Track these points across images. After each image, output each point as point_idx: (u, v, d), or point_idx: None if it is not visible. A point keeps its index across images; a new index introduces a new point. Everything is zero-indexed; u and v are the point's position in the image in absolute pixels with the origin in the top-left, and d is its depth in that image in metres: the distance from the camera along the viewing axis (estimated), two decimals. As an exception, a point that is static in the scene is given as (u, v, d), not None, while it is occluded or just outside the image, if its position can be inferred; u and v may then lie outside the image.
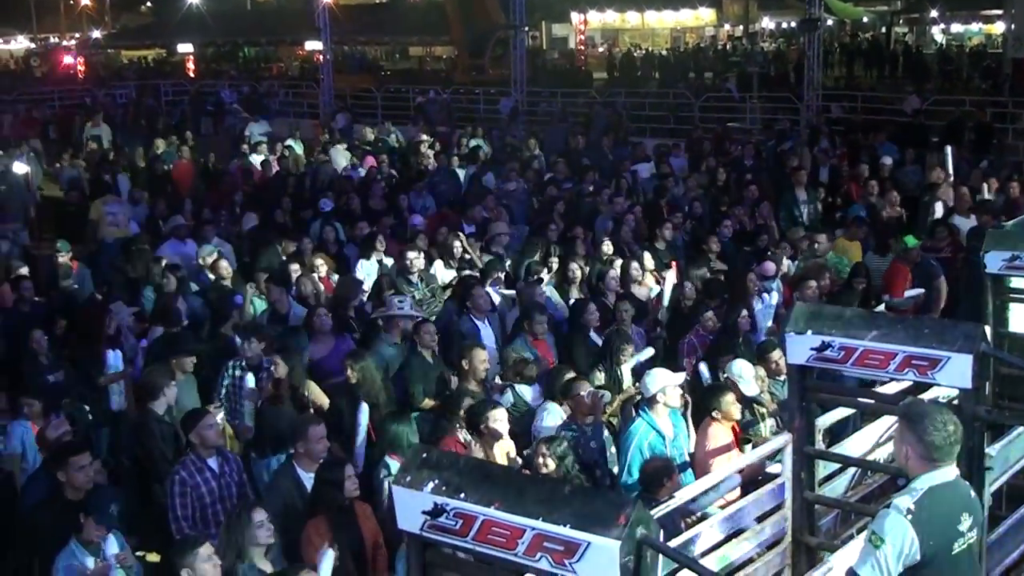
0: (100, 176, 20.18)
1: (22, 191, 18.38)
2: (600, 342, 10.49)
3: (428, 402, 9.60)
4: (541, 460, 7.53)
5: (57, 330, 10.87)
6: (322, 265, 13.02)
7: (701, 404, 8.73)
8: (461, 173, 19.93)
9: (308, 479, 7.60)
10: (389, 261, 13.51)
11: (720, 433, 8.35)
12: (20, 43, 61.86)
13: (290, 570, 6.19)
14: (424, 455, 4.28)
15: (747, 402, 8.75)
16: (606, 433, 8.75)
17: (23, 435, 8.68)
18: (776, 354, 9.17)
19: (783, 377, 8.72)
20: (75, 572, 6.50)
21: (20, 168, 18.21)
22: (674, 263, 12.71)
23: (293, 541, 7.14)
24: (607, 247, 13.32)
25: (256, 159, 21.58)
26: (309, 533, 7.08)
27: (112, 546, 6.60)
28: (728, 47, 51.69)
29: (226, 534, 6.58)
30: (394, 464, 7.88)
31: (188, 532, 7.45)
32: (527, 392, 9.49)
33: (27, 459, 8.63)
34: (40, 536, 7.15)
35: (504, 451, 8.11)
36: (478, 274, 12.36)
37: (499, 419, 8.10)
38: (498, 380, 9.81)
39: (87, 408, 9.34)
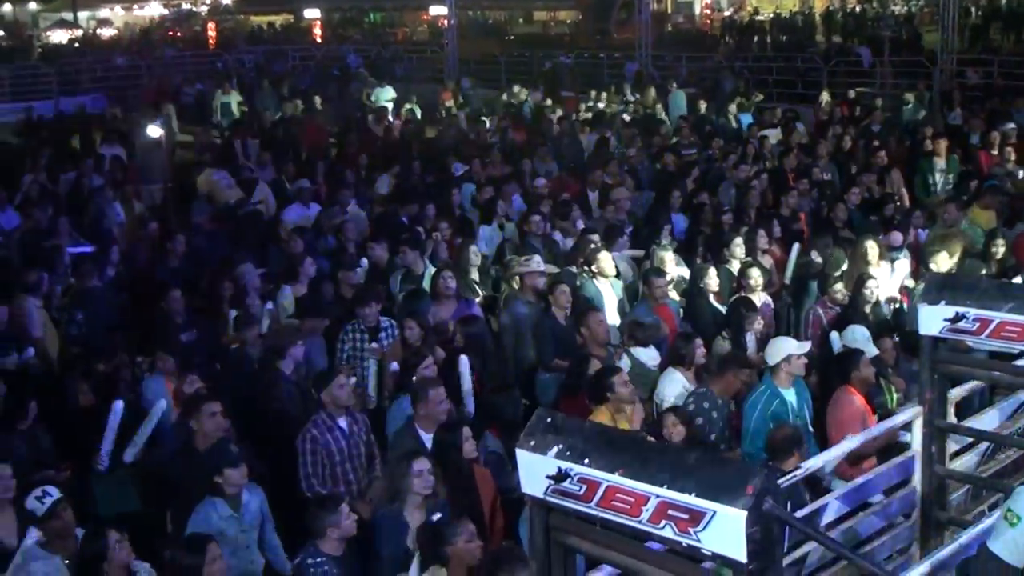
0: (230, 141, 20.61)
1: (159, 155, 18.83)
2: (724, 310, 10.39)
3: (559, 363, 9.61)
4: (669, 429, 7.50)
5: (191, 290, 11.12)
6: (447, 228, 13.10)
7: (833, 374, 8.59)
8: (584, 138, 19.85)
9: (428, 440, 7.69)
10: (511, 226, 13.55)
11: (854, 402, 8.20)
12: (154, 9, 63.29)
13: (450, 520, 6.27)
14: (548, 419, 4.27)
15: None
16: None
17: (157, 390, 8.90)
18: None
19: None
20: (212, 523, 6.65)
21: (155, 132, 18.65)
22: (800, 231, 12.51)
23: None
24: (730, 216, 13.16)
25: (380, 123, 21.79)
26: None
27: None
28: (858, 10, 50.44)
29: (385, 480, 6.64)
30: (493, 440, 7.95)
31: (318, 490, 7.62)
32: (645, 355, 9.42)
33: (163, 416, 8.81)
34: (175, 488, 7.36)
35: (628, 416, 8.09)
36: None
37: (623, 384, 8.08)
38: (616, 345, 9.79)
39: (217, 366, 9.57)
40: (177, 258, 12.26)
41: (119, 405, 8.26)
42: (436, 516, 6.51)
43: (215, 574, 5.97)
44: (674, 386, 8.66)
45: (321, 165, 17.32)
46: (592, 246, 11.52)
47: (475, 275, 11.54)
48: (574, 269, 11.40)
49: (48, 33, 55.17)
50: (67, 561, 6.28)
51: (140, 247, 13.38)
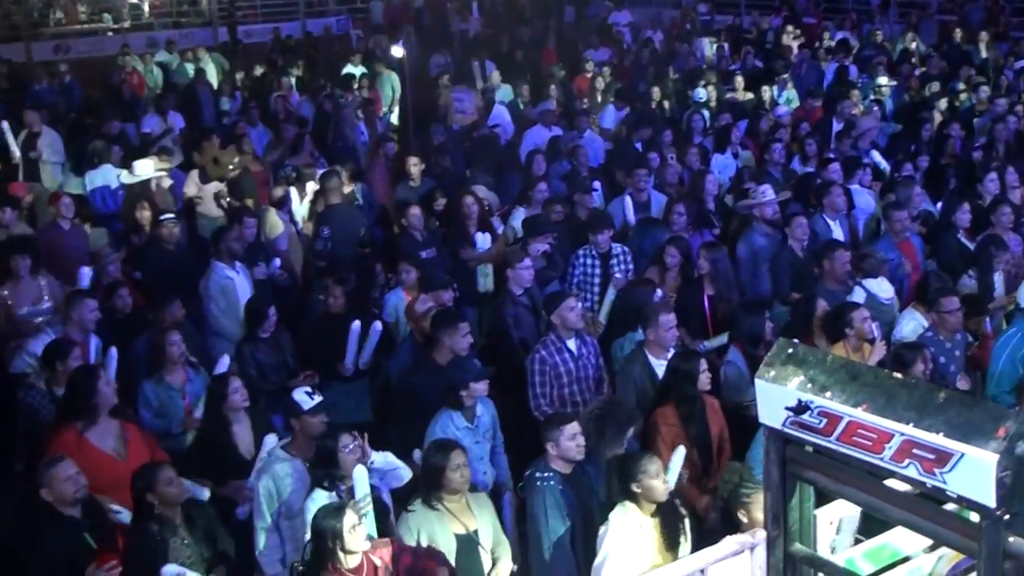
0: (467, 62, 20.85)
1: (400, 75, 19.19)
2: (972, 246, 9.93)
3: (796, 296, 9.44)
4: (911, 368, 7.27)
5: (435, 207, 11.35)
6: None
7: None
8: (825, 66, 19.22)
9: (658, 366, 7.68)
10: (747, 154, 13.29)
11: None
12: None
13: (638, 454, 6.27)
14: (790, 350, 4.19)
15: None
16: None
17: (396, 304, 9.17)
18: None
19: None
20: (449, 433, 6.83)
21: (398, 52, 18.99)
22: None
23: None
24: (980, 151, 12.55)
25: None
26: (656, 420, 7.18)
27: None
28: None
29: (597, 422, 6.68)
30: (736, 354, 7.88)
31: (546, 410, 7.73)
32: (877, 287, 9.11)
33: (398, 329, 9.10)
34: (415, 402, 7.60)
35: (866, 355, 7.87)
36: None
37: (863, 320, 7.86)
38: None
39: (455, 287, 9.77)
40: (415, 179, 12.52)
41: (357, 325, 8.54)
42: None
43: (458, 479, 6.14)
44: (912, 326, 8.36)
45: (554, 88, 17.31)
46: (827, 178, 11.18)
47: (711, 204, 11.37)
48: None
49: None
50: (307, 464, 6.58)
51: (379, 166, 13.72)
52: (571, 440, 6.34)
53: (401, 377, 8.14)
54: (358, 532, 5.48)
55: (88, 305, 8.36)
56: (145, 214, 10.84)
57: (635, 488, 5.90)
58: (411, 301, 8.81)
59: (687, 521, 6.05)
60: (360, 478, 6.09)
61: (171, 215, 10.52)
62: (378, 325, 8.63)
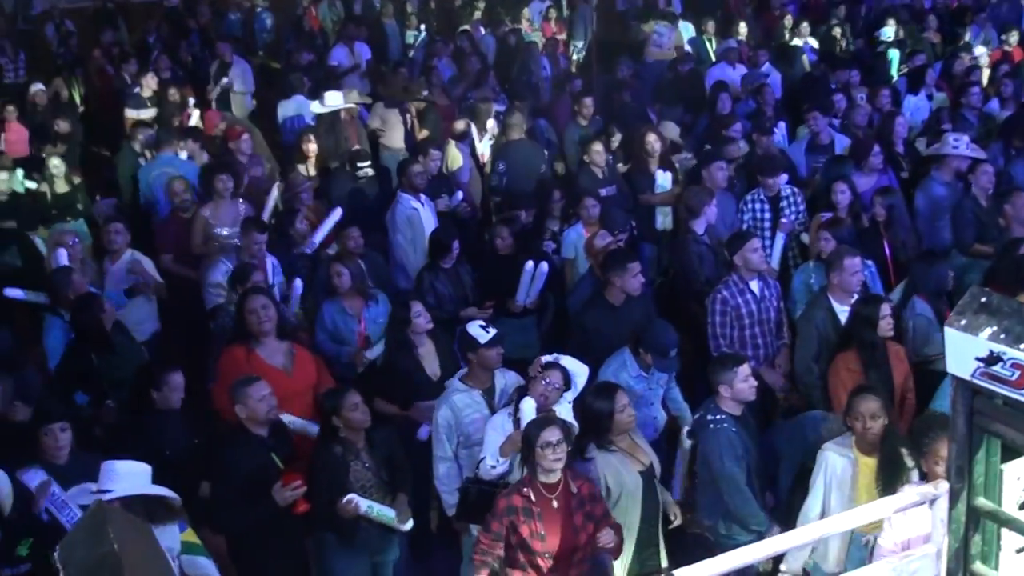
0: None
1: (586, 10, 19.05)
2: None
3: (979, 248, 9.10)
4: None
5: (612, 144, 11.29)
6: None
7: None
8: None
9: (842, 312, 7.53)
10: (942, 96, 12.82)
11: None
12: None
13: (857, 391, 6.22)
14: (983, 299, 4.05)
15: None
16: None
17: (575, 240, 9.19)
18: None
19: None
20: (621, 379, 6.83)
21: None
22: None
23: (824, 372, 7.19)
24: None
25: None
26: (838, 365, 7.08)
27: None
28: None
29: None
30: (922, 305, 7.70)
31: (725, 350, 7.68)
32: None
33: (577, 265, 9.16)
34: (590, 338, 7.64)
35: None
36: None
37: None
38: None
39: (633, 225, 9.73)
40: (584, 117, 12.46)
41: (530, 266, 8.59)
42: None
43: (626, 420, 6.17)
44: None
45: (744, 25, 16.95)
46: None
47: (900, 148, 11.01)
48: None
49: None
50: (483, 394, 6.70)
51: (562, 103, 13.71)
52: (744, 382, 6.31)
53: (577, 313, 8.18)
54: (559, 450, 5.56)
55: (255, 237, 8.61)
56: (311, 147, 11.04)
57: (848, 424, 5.93)
58: (590, 237, 8.81)
59: (913, 472, 5.91)
60: (529, 410, 6.20)
61: (367, 166, 10.68)
62: (545, 266, 8.67)
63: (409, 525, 6.28)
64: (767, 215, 9.56)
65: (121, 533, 2.27)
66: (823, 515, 5.85)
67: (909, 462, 5.90)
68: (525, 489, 5.61)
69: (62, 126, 12.76)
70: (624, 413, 6.14)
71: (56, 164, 10.76)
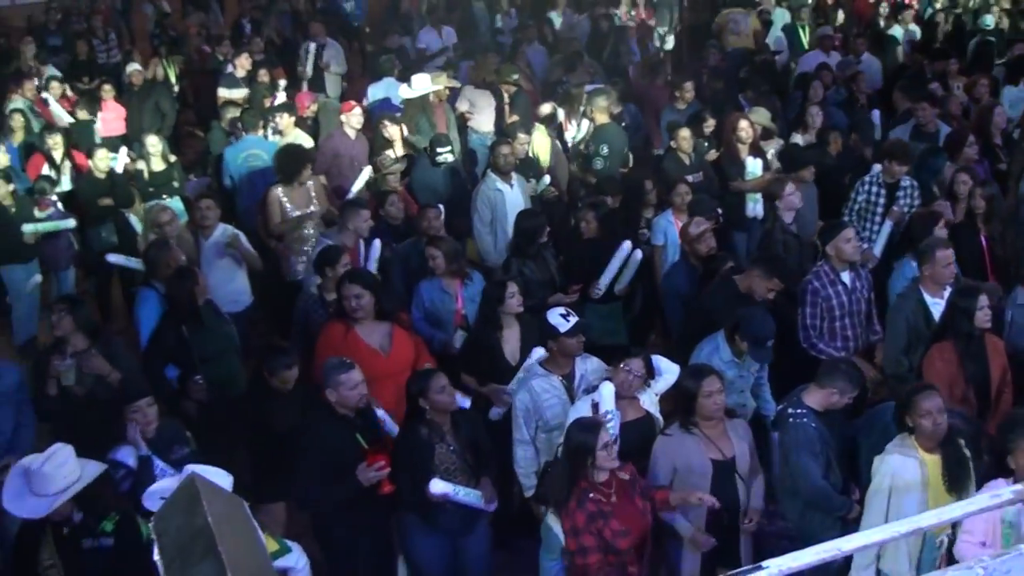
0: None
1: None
2: None
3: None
4: None
5: (704, 129, 11.19)
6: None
7: None
8: None
9: (933, 304, 7.38)
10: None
11: None
12: None
13: (918, 388, 6.09)
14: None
15: None
16: None
17: (666, 227, 9.12)
18: None
19: None
20: (713, 364, 6.77)
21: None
22: None
23: (914, 364, 7.08)
24: None
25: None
26: (933, 356, 6.96)
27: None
28: None
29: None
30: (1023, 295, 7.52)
31: (816, 342, 7.61)
32: None
33: (666, 252, 9.06)
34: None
35: None
36: None
37: None
38: None
39: (720, 211, 9.64)
40: (684, 101, 12.38)
41: (627, 245, 8.56)
42: None
43: (711, 406, 6.11)
44: None
45: (840, 13, 16.72)
46: None
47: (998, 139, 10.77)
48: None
49: None
50: (563, 380, 6.69)
51: (654, 88, 13.63)
52: (843, 397, 6.25)
53: (699, 299, 8.04)
54: (610, 450, 5.58)
55: (362, 215, 8.68)
56: (393, 131, 11.06)
57: (910, 422, 5.79)
58: (686, 223, 8.74)
59: (970, 464, 5.83)
60: (607, 394, 6.18)
61: (447, 151, 10.68)
62: (639, 253, 8.62)
63: (493, 507, 6.30)
64: (881, 199, 9.40)
65: (214, 507, 2.30)
66: (888, 521, 5.73)
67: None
68: (591, 495, 5.62)
69: (162, 105, 13.00)
70: (710, 399, 6.09)
71: (153, 143, 10.95)
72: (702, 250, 8.20)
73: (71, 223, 10.13)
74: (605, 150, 10.88)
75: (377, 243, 8.57)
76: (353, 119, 11.11)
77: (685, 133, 10.50)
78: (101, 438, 6.07)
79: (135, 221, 10.28)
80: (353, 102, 11.70)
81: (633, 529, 5.60)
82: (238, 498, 2.60)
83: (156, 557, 2.27)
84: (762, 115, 11.28)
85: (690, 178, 9.97)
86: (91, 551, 5.40)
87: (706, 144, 11.02)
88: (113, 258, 9.37)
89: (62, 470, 5.30)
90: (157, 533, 2.33)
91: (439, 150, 10.54)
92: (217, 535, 2.20)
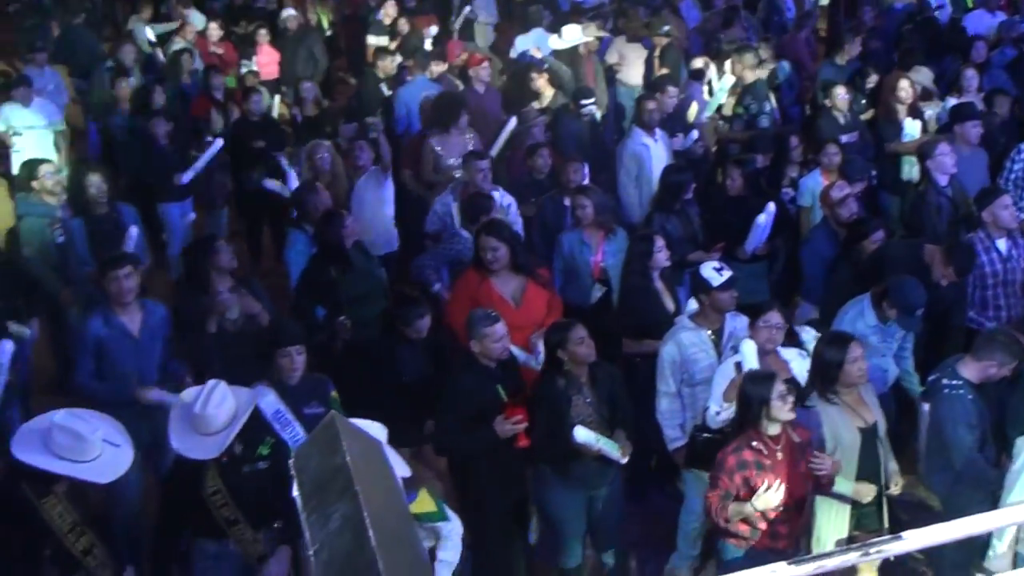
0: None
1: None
2: None
3: None
4: None
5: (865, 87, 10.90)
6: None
7: None
8: None
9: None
10: None
11: None
12: None
13: None
14: None
15: None
16: None
17: (813, 188, 8.91)
18: None
19: None
20: (857, 329, 6.64)
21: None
22: None
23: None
24: None
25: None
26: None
27: None
28: None
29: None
30: None
31: (968, 311, 7.39)
32: None
33: (814, 214, 8.85)
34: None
35: None
36: None
37: None
38: None
39: (873, 174, 9.39)
40: (843, 58, 12.03)
41: (772, 207, 8.42)
42: None
43: (856, 372, 5.98)
44: None
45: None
46: None
47: None
48: None
49: None
50: (712, 335, 6.62)
51: (796, 41, 13.27)
52: (1000, 369, 6.06)
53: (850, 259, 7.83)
54: (786, 400, 5.51)
55: (478, 165, 8.66)
56: (541, 82, 10.98)
57: None
58: (828, 186, 8.54)
59: None
60: (749, 353, 6.10)
61: (592, 103, 10.59)
62: (772, 206, 8.45)
63: (624, 460, 6.26)
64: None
65: (353, 448, 2.33)
66: None
67: None
68: (754, 443, 5.56)
69: (315, 51, 13.20)
70: (855, 365, 5.96)
71: (307, 87, 11.13)
72: (843, 215, 8.02)
73: (219, 143, 10.33)
74: (754, 107, 10.66)
75: (511, 201, 8.56)
76: (482, 72, 11.10)
77: (841, 91, 10.24)
78: (245, 378, 6.20)
79: (286, 164, 10.49)
80: (480, 55, 11.68)
81: (789, 491, 5.52)
82: (377, 441, 2.63)
83: (295, 493, 2.32)
84: (924, 75, 10.93)
85: (844, 138, 9.74)
86: (250, 474, 5.62)
87: (863, 102, 10.72)
88: (269, 184, 9.66)
89: (222, 409, 5.44)
90: (296, 470, 2.38)
91: (583, 102, 10.46)
92: (355, 475, 2.23)
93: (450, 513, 5.64)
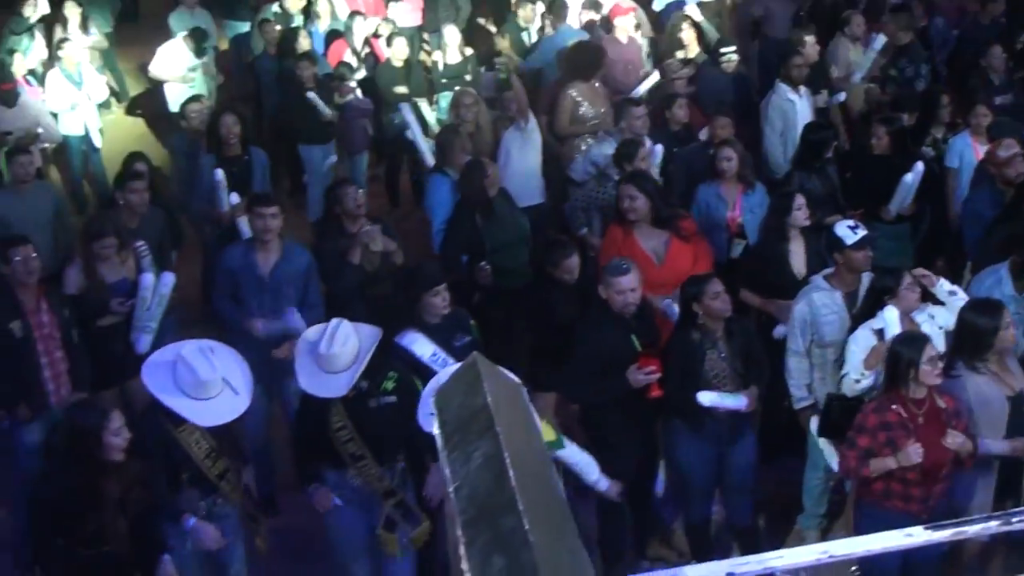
0: None
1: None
2: None
3: None
4: None
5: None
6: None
7: None
8: None
9: None
10: None
11: None
12: None
13: None
14: None
15: None
16: None
17: (962, 149, 8.64)
18: None
19: None
20: (998, 289, 6.50)
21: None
22: None
23: None
24: None
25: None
26: None
27: None
28: None
29: None
30: None
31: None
32: None
33: (961, 176, 8.61)
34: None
35: None
36: None
37: None
38: None
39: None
40: (989, 15, 11.63)
41: (920, 166, 8.17)
42: None
43: (1008, 338, 5.84)
44: None
45: None
46: None
47: None
48: None
49: None
50: (845, 298, 6.49)
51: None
52: (1005, 330, 5.84)
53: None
54: (935, 364, 5.45)
55: (634, 112, 8.66)
56: (686, 35, 10.81)
57: None
58: (995, 145, 8.25)
59: None
60: (891, 319, 5.98)
61: (732, 51, 10.41)
62: (920, 165, 8.23)
63: (750, 408, 6.21)
64: None
65: (495, 389, 2.37)
66: None
67: None
68: (895, 405, 5.49)
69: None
70: (1008, 331, 5.82)
71: (451, 33, 11.15)
72: (1011, 174, 7.71)
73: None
74: (910, 71, 10.36)
75: (659, 148, 8.52)
76: (628, 23, 10.98)
77: (996, 50, 9.89)
78: (383, 317, 6.30)
79: (427, 110, 10.55)
80: (627, 4, 11.56)
81: (930, 457, 5.44)
82: (518, 382, 2.67)
83: (436, 431, 2.37)
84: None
85: (998, 99, 9.45)
86: (376, 409, 5.76)
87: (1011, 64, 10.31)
88: (312, 96, 9.96)
89: (347, 347, 5.57)
90: (438, 408, 2.43)
91: (723, 50, 10.31)
92: (496, 415, 2.27)
93: (566, 440, 5.66)
